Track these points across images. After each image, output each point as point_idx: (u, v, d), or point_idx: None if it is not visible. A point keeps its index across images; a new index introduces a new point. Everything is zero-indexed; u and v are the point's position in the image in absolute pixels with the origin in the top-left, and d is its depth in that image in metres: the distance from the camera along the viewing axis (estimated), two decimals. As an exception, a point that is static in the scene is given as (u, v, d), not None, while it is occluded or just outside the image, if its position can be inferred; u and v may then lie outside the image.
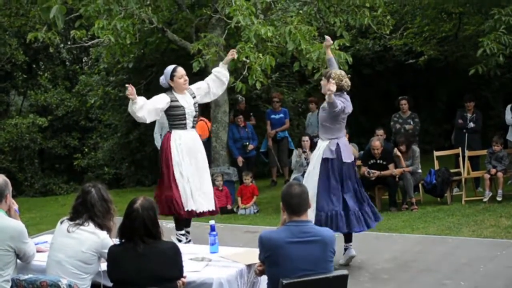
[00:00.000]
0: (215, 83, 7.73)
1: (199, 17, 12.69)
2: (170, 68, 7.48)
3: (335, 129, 6.95)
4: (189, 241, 7.61)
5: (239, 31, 10.53)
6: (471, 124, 11.61)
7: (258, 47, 10.35)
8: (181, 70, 7.42)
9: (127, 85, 7.11)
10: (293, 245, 4.22)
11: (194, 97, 7.53)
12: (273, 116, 13.42)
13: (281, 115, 13.45)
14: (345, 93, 6.98)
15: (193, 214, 7.49)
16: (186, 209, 7.38)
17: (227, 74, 7.81)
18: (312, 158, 7.20)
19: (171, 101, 7.37)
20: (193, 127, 7.54)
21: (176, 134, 7.44)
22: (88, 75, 19.00)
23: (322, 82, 7.04)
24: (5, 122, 17.26)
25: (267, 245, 4.29)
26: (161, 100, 7.35)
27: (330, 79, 6.65)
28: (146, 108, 7.21)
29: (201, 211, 7.49)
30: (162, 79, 7.53)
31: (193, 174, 7.42)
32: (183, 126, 7.44)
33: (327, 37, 7.51)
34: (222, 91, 8.09)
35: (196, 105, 7.54)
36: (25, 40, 14.19)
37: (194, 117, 7.51)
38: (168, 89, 7.48)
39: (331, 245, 4.31)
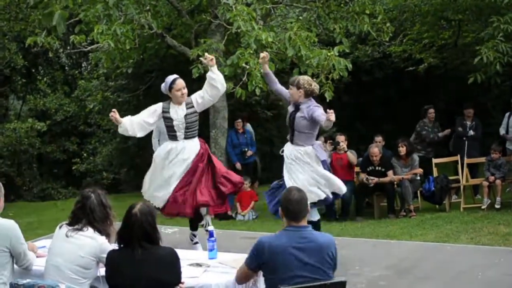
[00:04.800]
0: (210, 89, 7.30)
1: (198, 23, 12.69)
2: (170, 78, 7.28)
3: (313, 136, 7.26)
4: (196, 243, 7.58)
5: (239, 37, 10.52)
6: (471, 132, 11.61)
7: (258, 53, 10.33)
8: (180, 83, 7.17)
9: (111, 114, 7.30)
10: (292, 250, 4.21)
11: (190, 107, 7.24)
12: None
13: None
14: (312, 99, 7.10)
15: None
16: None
17: (217, 76, 7.25)
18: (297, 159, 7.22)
19: (163, 111, 7.25)
20: (187, 137, 7.30)
21: (167, 143, 7.43)
22: (87, 80, 19.06)
23: (290, 91, 7.21)
24: (3, 126, 17.25)
25: (268, 251, 4.25)
26: (151, 114, 7.30)
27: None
28: (134, 124, 7.29)
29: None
30: (163, 86, 7.35)
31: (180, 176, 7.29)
32: (174, 137, 7.32)
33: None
34: (218, 94, 7.50)
35: (192, 116, 7.25)
36: (24, 45, 14.19)
37: (187, 128, 7.25)
38: (168, 97, 7.36)
39: (328, 250, 4.28)
